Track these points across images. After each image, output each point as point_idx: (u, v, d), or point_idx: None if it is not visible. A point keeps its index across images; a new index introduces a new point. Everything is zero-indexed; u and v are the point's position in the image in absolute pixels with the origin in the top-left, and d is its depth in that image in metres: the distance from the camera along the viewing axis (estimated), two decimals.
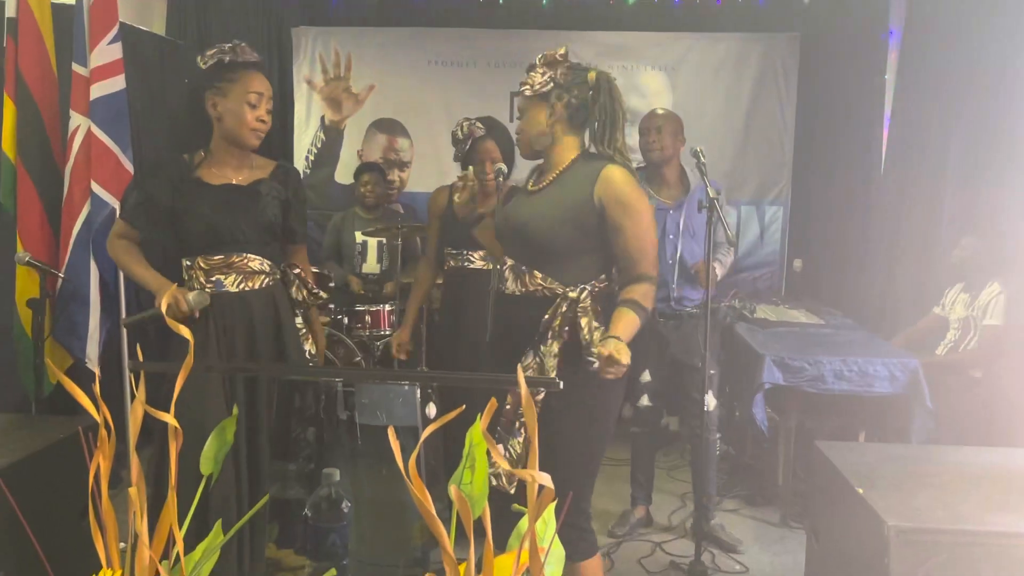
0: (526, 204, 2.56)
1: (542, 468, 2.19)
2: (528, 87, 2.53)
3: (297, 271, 2.84)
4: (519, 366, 0.97)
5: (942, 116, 4.83)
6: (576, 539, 2.52)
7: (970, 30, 4.63)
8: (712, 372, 3.74)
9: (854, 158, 5.72)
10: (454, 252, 3.71)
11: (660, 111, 3.98)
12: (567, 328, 2.42)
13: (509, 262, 2.53)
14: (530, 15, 6.02)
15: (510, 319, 2.53)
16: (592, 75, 2.54)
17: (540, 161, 2.65)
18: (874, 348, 4.20)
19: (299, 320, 2.85)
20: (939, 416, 3.92)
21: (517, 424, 2.44)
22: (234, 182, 2.70)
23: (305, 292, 2.82)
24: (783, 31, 5.82)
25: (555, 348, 2.42)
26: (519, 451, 2.43)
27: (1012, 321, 4.10)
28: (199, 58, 2.66)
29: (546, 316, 2.43)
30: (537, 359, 2.44)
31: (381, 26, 6.02)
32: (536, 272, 2.47)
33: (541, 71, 2.53)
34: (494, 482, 2.34)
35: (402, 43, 5.93)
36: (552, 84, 2.52)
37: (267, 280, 2.72)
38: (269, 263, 2.73)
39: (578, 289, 2.44)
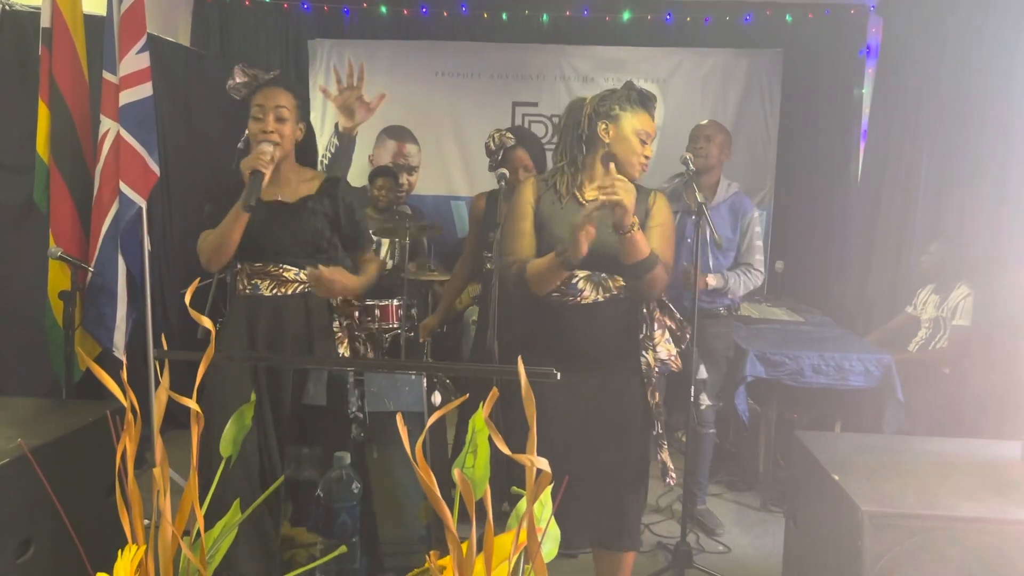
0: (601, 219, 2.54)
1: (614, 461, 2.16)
2: None
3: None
4: (519, 359, 0.97)
5: (915, 128, 4.83)
6: (639, 529, 2.71)
7: (942, 49, 4.63)
8: (704, 376, 3.74)
9: (833, 167, 5.73)
10: (489, 256, 3.62)
11: (706, 123, 3.93)
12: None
13: (582, 274, 2.51)
14: (531, 30, 6.03)
15: (595, 326, 2.53)
16: None
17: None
18: (850, 344, 4.20)
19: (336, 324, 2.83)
20: (910, 408, 3.93)
21: None
22: (279, 198, 2.69)
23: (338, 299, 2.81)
24: (767, 47, 5.83)
25: (667, 334, 2.61)
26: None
27: (979, 321, 4.11)
28: (230, 92, 2.67)
29: (643, 310, 2.57)
30: (649, 354, 2.56)
31: (392, 39, 6.02)
32: (618, 277, 2.52)
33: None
34: (670, 481, 2.62)
35: (411, 55, 5.94)
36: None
37: (300, 287, 2.71)
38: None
39: None
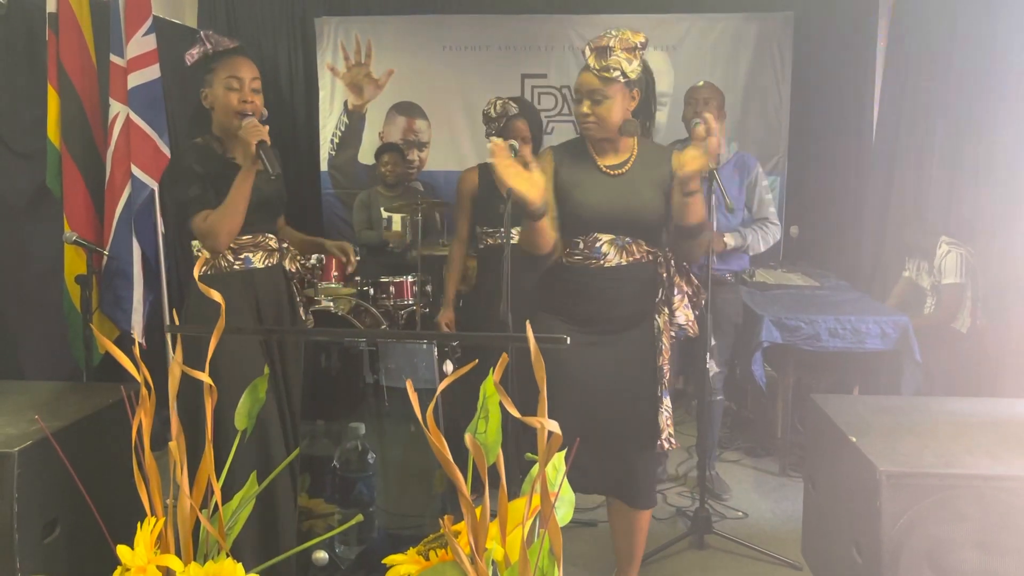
0: (620, 185, 2.54)
1: (629, 421, 2.17)
2: (619, 72, 2.43)
3: (285, 244, 2.83)
4: (527, 324, 0.97)
5: (929, 89, 4.78)
6: (655, 487, 2.79)
7: (956, 5, 4.57)
8: (714, 343, 3.73)
9: (847, 130, 5.67)
10: (491, 231, 3.62)
11: (701, 84, 3.86)
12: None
13: (605, 237, 2.52)
14: (538, 0, 5.97)
15: (617, 288, 2.55)
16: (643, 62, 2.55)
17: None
18: (866, 307, 4.17)
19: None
20: (928, 370, 3.91)
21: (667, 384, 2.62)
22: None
23: (298, 264, 2.83)
24: (778, 10, 5.76)
25: (685, 300, 2.61)
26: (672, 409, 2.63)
27: (991, 280, 4.09)
28: (186, 58, 2.60)
29: (664, 275, 2.58)
30: (664, 318, 2.58)
31: (398, 14, 5.99)
32: (641, 241, 2.54)
33: (626, 56, 2.45)
34: (668, 446, 2.58)
35: (418, 30, 5.90)
36: (640, 71, 2.49)
37: (278, 256, 2.73)
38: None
39: (664, 251, 2.60)
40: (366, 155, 5.94)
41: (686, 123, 3.81)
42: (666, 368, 2.60)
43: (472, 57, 5.90)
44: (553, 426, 0.95)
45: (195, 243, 2.69)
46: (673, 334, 2.60)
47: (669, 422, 2.59)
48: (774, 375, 4.25)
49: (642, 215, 2.53)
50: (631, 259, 2.54)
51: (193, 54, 2.59)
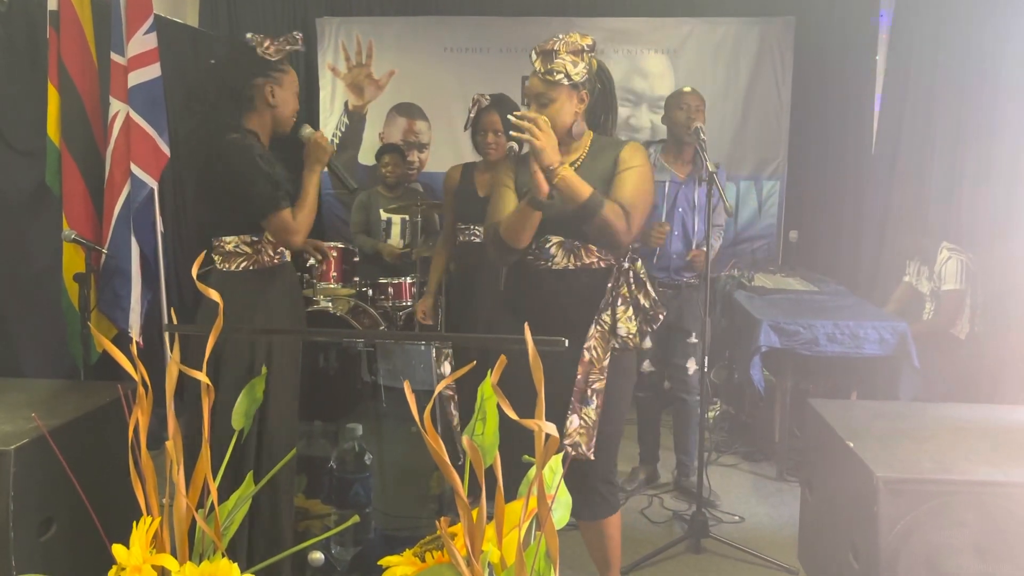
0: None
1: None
2: (563, 75, 2.44)
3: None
4: (526, 325, 0.96)
5: (930, 95, 4.78)
6: (608, 494, 2.63)
7: (956, 11, 4.57)
8: (694, 341, 3.75)
9: (847, 135, 5.67)
10: (462, 227, 3.72)
11: (688, 90, 3.85)
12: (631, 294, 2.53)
13: (555, 239, 2.51)
14: (539, 3, 5.99)
15: (559, 292, 2.52)
16: (595, 63, 2.53)
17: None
18: (865, 313, 4.18)
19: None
20: (926, 376, 3.91)
21: (589, 392, 2.48)
22: None
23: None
24: (779, 15, 5.76)
25: (630, 312, 2.51)
26: (594, 418, 2.48)
27: (991, 286, 4.09)
28: (261, 45, 2.58)
29: (609, 284, 2.50)
30: (600, 327, 2.49)
31: (400, 15, 5.99)
32: (592, 247, 2.51)
33: (571, 59, 2.45)
34: (572, 452, 2.44)
35: (419, 31, 5.91)
36: (587, 73, 2.48)
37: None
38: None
39: (628, 260, 2.53)
40: (366, 156, 5.93)
41: (668, 125, 3.82)
42: (590, 377, 2.49)
43: (473, 59, 5.90)
44: (551, 429, 0.95)
45: (229, 239, 2.60)
46: (616, 345, 2.51)
47: (582, 431, 2.46)
48: (772, 380, 4.25)
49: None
50: (579, 264, 2.52)
51: (277, 44, 2.60)
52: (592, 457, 2.48)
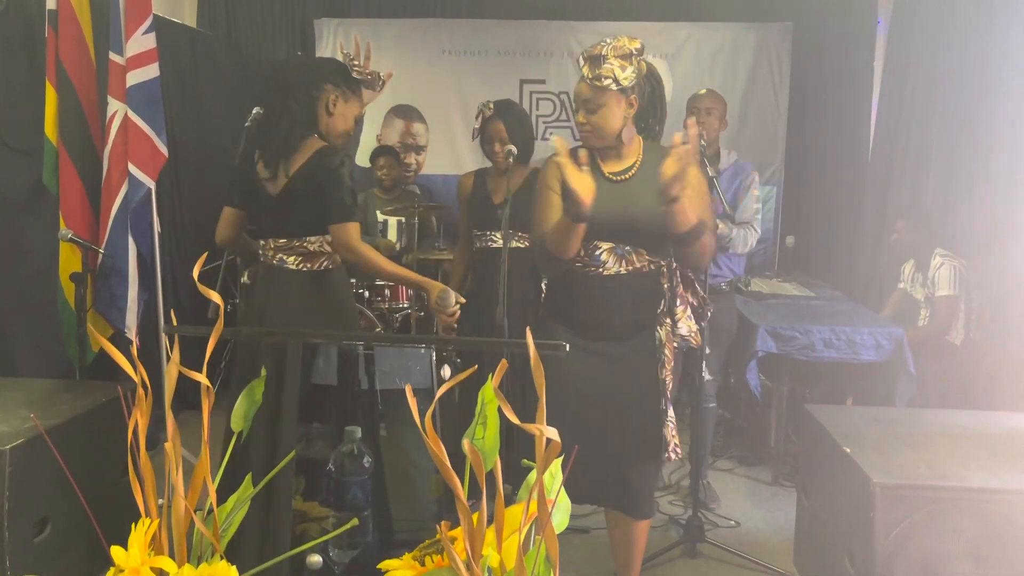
0: (622, 192, 2.52)
1: (627, 431, 2.16)
2: (611, 80, 2.42)
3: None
4: (527, 330, 0.97)
5: (927, 101, 4.79)
6: (653, 497, 2.77)
7: (953, 18, 4.59)
8: (708, 351, 3.73)
9: (843, 140, 5.69)
10: (478, 234, 3.67)
11: (704, 92, 3.85)
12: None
13: (605, 245, 2.51)
14: (538, 6, 5.99)
15: (616, 297, 2.53)
16: (644, 67, 2.52)
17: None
18: (861, 318, 4.18)
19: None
20: (922, 382, 3.92)
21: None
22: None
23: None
24: (777, 20, 5.78)
25: (688, 310, 2.58)
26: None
27: (988, 292, 4.10)
28: (349, 59, 2.80)
29: (665, 285, 2.54)
30: (666, 329, 2.54)
31: (398, 17, 6.00)
32: (642, 251, 2.51)
33: (620, 64, 2.44)
34: (674, 456, 2.56)
35: (418, 33, 5.91)
36: (636, 77, 2.47)
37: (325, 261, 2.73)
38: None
39: (668, 261, 2.56)
40: (363, 158, 5.93)
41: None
42: (669, 380, 2.57)
43: (471, 62, 5.90)
44: (552, 433, 0.95)
45: (314, 239, 2.69)
46: (676, 345, 2.58)
47: (674, 432, 2.56)
48: (768, 384, 4.25)
49: (639, 221, 2.49)
50: (630, 268, 2.52)
51: (365, 74, 2.84)
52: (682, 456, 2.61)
